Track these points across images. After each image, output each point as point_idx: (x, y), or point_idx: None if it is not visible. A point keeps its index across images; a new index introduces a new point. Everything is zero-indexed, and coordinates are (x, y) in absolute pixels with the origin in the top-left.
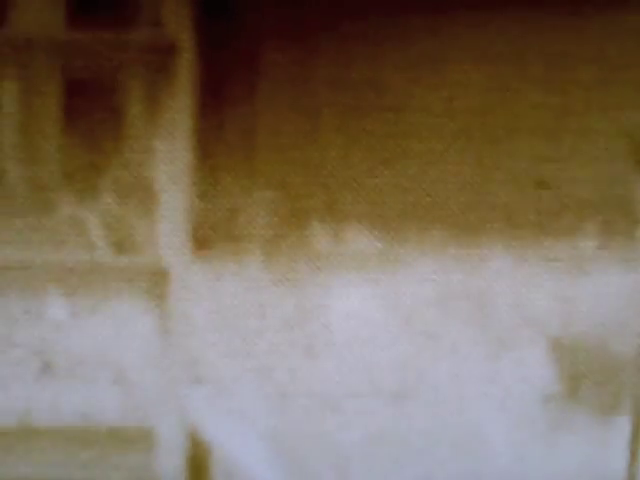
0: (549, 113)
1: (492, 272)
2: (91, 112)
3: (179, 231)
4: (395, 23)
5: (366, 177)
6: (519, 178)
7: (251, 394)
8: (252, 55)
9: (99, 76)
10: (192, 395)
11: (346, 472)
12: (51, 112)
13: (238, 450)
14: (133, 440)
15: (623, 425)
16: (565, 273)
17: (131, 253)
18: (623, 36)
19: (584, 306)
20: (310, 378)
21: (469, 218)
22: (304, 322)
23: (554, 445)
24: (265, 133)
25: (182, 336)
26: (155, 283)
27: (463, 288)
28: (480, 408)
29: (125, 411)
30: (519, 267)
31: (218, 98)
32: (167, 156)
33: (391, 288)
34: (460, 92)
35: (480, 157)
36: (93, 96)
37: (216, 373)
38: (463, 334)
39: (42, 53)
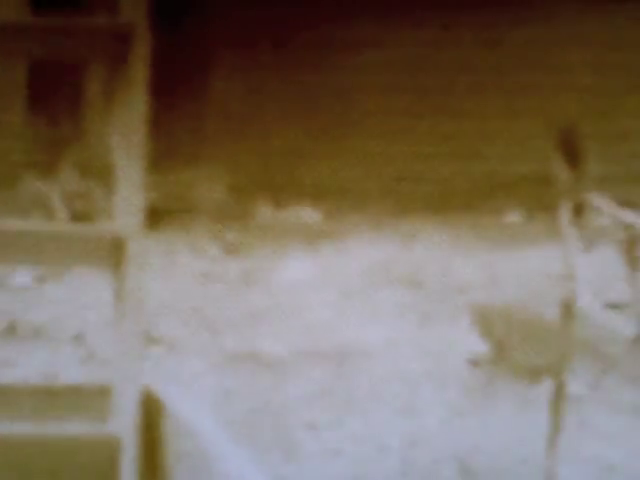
0: (482, 94)
1: (424, 244)
2: (53, 92)
3: (134, 203)
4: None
5: (307, 156)
6: (452, 154)
7: (200, 355)
8: (205, 40)
9: (61, 59)
10: (146, 356)
11: (288, 427)
12: (16, 92)
13: (187, 407)
14: (91, 397)
15: (545, 387)
16: (492, 245)
17: (90, 224)
18: (555, 21)
19: (510, 276)
20: (254, 340)
21: (403, 192)
22: (249, 288)
23: (481, 405)
24: (215, 115)
25: (136, 301)
26: (112, 252)
27: (397, 258)
28: (413, 370)
29: (84, 370)
30: (450, 239)
31: (171, 80)
32: (123, 134)
33: (329, 257)
34: (399, 73)
35: (416, 135)
36: (55, 78)
37: (168, 335)
38: (396, 301)
39: (9, 38)
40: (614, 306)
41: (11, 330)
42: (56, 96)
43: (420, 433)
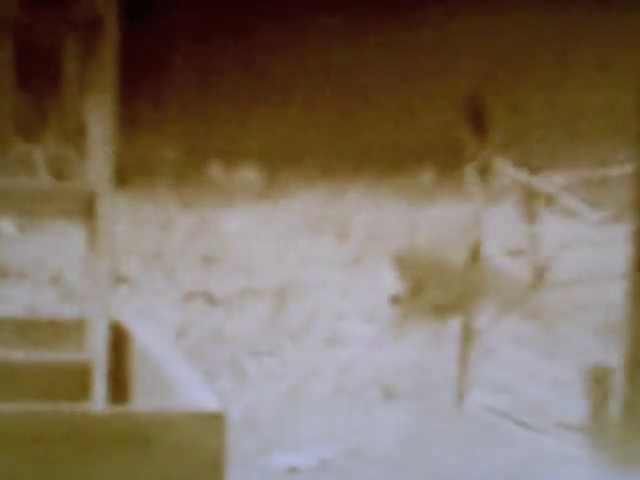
0: (398, 76)
1: (351, 201)
2: (37, 72)
3: (105, 165)
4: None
5: (254, 126)
6: (376, 125)
7: (160, 293)
8: (168, 26)
9: (43, 45)
10: (114, 293)
11: (234, 355)
12: (6, 70)
13: (149, 336)
14: (68, 329)
15: (455, 322)
16: (410, 201)
17: (67, 182)
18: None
19: (424, 228)
20: (207, 280)
21: (333, 156)
22: (202, 237)
23: (401, 337)
24: (174, 91)
25: (106, 247)
26: (85, 206)
27: (328, 213)
28: (342, 306)
29: (62, 305)
30: (373, 197)
31: (137, 61)
32: (96, 106)
33: (270, 211)
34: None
35: (347, 106)
36: (38, 59)
37: (133, 276)
38: (327, 248)
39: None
40: (513, 253)
41: (0, 272)
42: (39, 74)
43: (348, 361)
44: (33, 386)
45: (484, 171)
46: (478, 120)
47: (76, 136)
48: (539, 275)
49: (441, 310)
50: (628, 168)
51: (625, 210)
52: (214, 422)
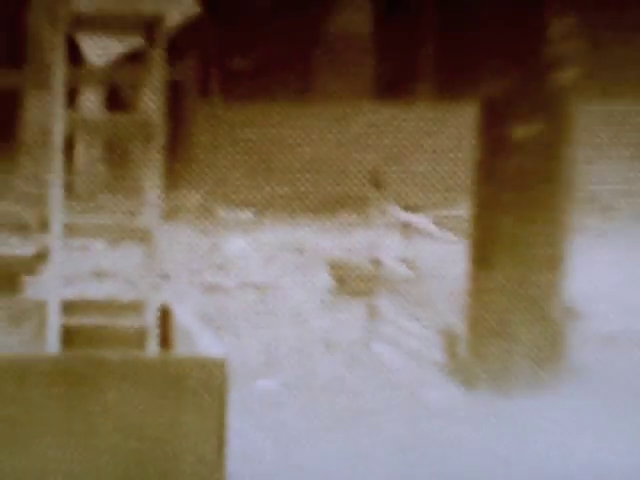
0: (331, 153)
1: (304, 231)
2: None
3: (156, 209)
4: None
5: (248, 185)
6: (317, 186)
7: (189, 287)
8: None
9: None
10: (162, 286)
11: (233, 321)
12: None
13: (183, 315)
14: (135, 307)
15: (364, 301)
16: (336, 230)
17: (133, 219)
18: None
19: (347, 246)
20: (218, 279)
21: (294, 205)
22: (214, 254)
23: (334, 312)
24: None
25: (156, 258)
26: (145, 234)
27: (290, 238)
28: (300, 296)
29: (131, 293)
30: (316, 227)
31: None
32: (150, 169)
33: (258, 238)
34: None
35: (301, 175)
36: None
37: (174, 276)
38: (289, 261)
39: None
40: (399, 260)
41: (96, 273)
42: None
43: (305, 326)
44: (112, 343)
45: (381, 212)
46: (377, 183)
47: (136, 191)
48: (414, 274)
49: (356, 294)
50: (466, 208)
51: (462, 235)
52: (220, 365)
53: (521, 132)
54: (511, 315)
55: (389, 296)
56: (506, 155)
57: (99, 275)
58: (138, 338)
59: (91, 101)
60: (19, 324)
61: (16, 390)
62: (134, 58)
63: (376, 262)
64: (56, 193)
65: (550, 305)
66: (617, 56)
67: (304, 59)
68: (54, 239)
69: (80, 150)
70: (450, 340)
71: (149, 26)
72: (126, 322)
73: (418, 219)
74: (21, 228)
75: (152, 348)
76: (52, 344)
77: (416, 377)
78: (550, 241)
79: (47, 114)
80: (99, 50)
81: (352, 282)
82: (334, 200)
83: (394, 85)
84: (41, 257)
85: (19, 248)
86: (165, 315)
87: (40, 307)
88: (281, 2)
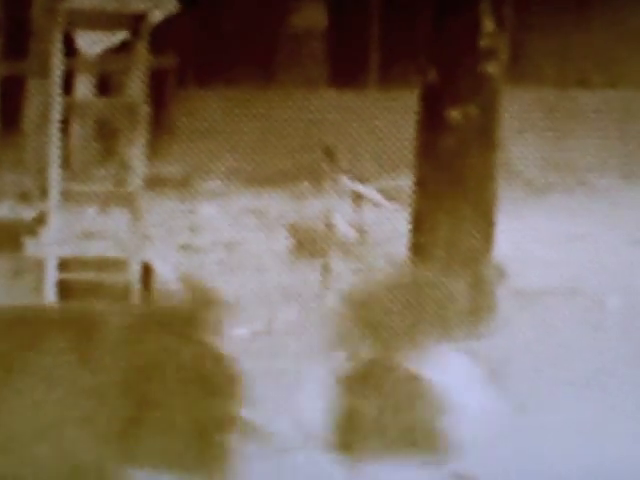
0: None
1: (268, 198)
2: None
3: (139, 178)
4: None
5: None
6: (278, 159)
7: (168, 246)
8: None
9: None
10: (147, 247)
11: (208, 280)
12: None
13: (163, 270)
14: (119, 264)
15: (322, 261)
16: (295, 199)
17: (121, 187)
18: None
19: (303, 212)
20: (193, 241)
21: (257, 174)
22: (188, 217)
23: (292, 268)
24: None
25: (140, 222)
26: (130, 200)
27: (253, 205)
28: (264, 251)
29: (117, 251)
30: (277, 196)
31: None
32: (132, 146)
33: (226, 204)
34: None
35: (262, 149)
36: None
37: (156, 238)
38: (254, 223)
39: None
40: (350, 225)
41: (88, 235)
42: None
43: (266, 278)
44: (102, 294)
45: (334, 182)
46: (330, 157)
47: (123, 164)
48: (363, 237)
49: (311, 254)
50: (408, 180)
51: (404, 203)
52: (216, 303)
53: (456, 114)
54: (447, 272)
55: (340, 255)
56: (443, 134)
57: (91, 236)
58: (124, 290)
59: (84, 86)
60: (21, 278)
61: (18, 335)
62: (122, 49)
63: (329, 226)
64: (54, 165)
65: (481, 264)
66: (540, 48)
67: (268, 52)
68: (52, 205)
69: (75, 128)
70: None
71: (135, 21)
72: (114, 277)
73: (366, 189)
74: (24, 196)
75: (134, 299)
76: (49, 296)
77: None
78: (481, 209)
79: (47, 98)
80: (91, 42)
81: (308, 243)
82: (293, 172)
83: (346, 74)
84: (40, 220)
85: (22, 213)
86: (147, 271)
87: (39, 264)
88: (249, 4)
